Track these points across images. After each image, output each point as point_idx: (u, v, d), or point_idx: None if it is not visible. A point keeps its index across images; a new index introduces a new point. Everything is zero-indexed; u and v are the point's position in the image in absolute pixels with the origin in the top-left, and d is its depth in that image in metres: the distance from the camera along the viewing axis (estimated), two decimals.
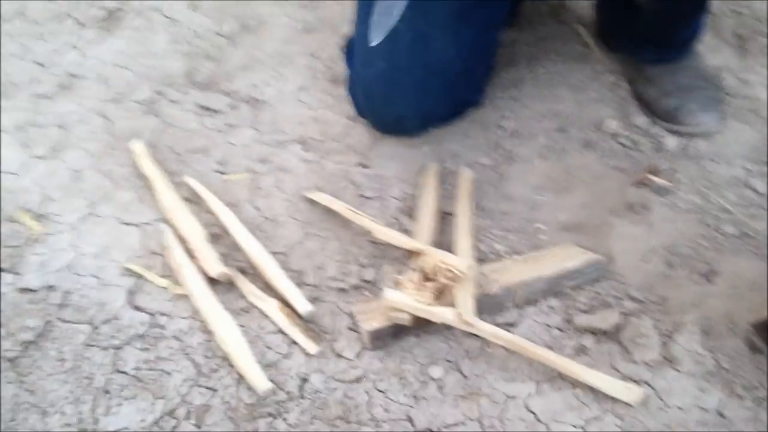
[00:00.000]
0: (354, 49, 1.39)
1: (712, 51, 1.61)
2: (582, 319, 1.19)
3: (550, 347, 1.16)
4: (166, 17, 1.70)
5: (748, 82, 1.56)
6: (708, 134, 1.44)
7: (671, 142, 1.44)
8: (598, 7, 1.60)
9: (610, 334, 1.17)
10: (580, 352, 1.16)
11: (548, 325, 1.19)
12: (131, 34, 1.67)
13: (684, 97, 1.45)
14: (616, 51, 1.59)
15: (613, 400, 1.09)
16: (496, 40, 1.42)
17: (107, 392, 1.09)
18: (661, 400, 1.10)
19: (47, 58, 1.61)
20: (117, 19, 1.70)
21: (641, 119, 1.49)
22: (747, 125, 1.47)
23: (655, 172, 1.40)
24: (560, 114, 1.51)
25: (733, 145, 1.44)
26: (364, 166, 1.42)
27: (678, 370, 1.13)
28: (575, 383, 1.11)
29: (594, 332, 1.18)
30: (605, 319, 1.18)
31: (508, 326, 1.19)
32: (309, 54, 1.63)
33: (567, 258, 1.24)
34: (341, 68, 1.56)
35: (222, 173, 1.42)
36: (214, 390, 1.10)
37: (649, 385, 1.12)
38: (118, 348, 1.14)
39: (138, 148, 1.42)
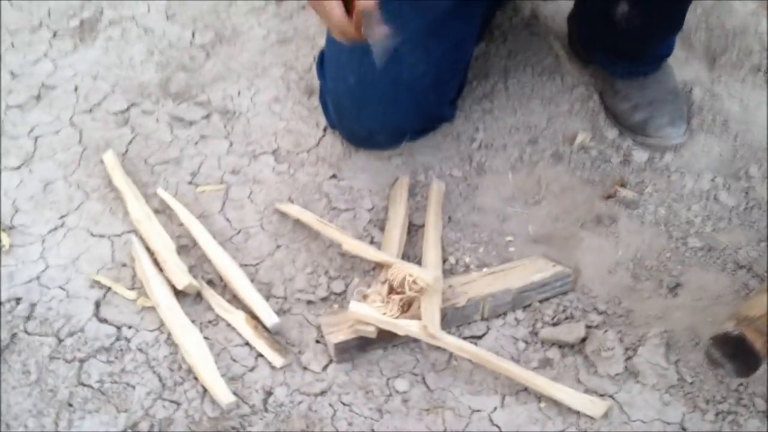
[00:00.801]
0: (324, 63, 1.39)
1: (682, 64, 1.61)
2: (547, 332, 1.19)
3: (515, 360, 1.16)
4: (141, 27, 1.70)
5: (717, 95, 1.56)
6: (675, 147, 1.45)
7: (640, 155, 1.45)
8: (572, 19, 1.61)
9: (575, 347, 1.18)
10: (546, 364, 1.17)
11: (515, 338, 1.20)
12: (106, 44, 1.66)
13: (653, 111, 1.46)
14: (588, 64, 1.60)
15: (577, 413, 1.10)
16: (468, 55, 1.42)
17: (70, 405, 1.09)
18: (625, 413, 1.11)
19: (20, 69, 1.60)
20: (91, 29, 1.70)
21: (611, 132, 1.49)
22: (715, 138, 1.48)
23: (623, 184, 1.40)
24: (532, 126, 1.52)
25: (701, 157, 1.45)
26: (337, 178, 1.42)
27: (642, 384, 1.14)
28: (540, 396, 1.12)
29: (559, 345, 1.19)
30: (571, 332, 1.19)
31: (475, 339, 1.19)
32: (283, 65, 1.63)
33: (535, 271, 1.25)
34: (315, 79, 1.56)
35: (194, 184, 1.41)
36: (178, 403, 1.09)
37: (612, 398, 1.12)
38: (82, 361, 1.14)
39: (110, 159, 1.41)
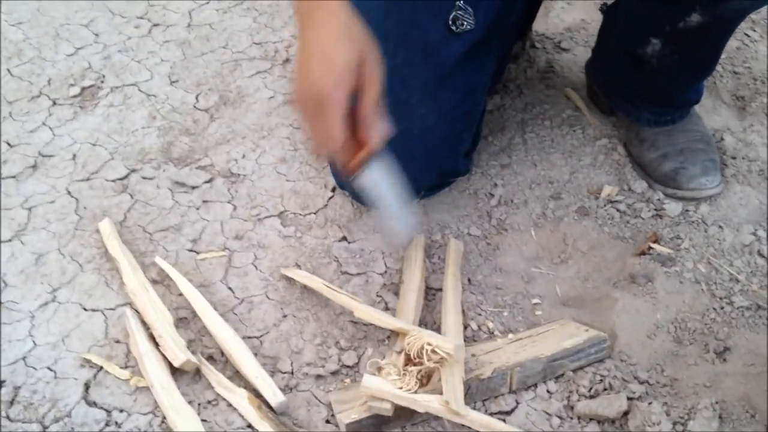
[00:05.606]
0: None
1: (709, 112, 1.54)
2: (584, 406, 1.08)
3: None
4: (144, 93, 1.65)
5: (750, 143, 1.48)
6: (710, 198, 1.36)
7: (672, 207, 1.36)
8: (592, 66, 1.54)
9: (617, 422, 1.07)
10: None
11: (547, 413, 1.09)
12: (106, 111, 1.61)
13: (684, 161, 1.37)
14: (611, 114, 1.52)
15: None
16: (481, 105, 1.35)
17: None
18: None
19: (17, 138, 1.54)
20: (92, 96, 1.64)
21: (639, 184, 1.40)
22: (751, 188, 1.39)
23: (656, 240, 1.31)
24: (554, 180, 1.44)
25: (739, 209, 1.36)
26: (347, 241, 1.34)
27: None
28: None
29: (599, 420, 1.07)
30: (611, 405, 1.07)
31: (503, 414, 1.08)
32: (290, 125, 1.57)
33: (566, 336, 1.15)
34: None
35: (195, 252, 1.33)
36: None
37: None
38: None
39: (106, 228, 1.34)
